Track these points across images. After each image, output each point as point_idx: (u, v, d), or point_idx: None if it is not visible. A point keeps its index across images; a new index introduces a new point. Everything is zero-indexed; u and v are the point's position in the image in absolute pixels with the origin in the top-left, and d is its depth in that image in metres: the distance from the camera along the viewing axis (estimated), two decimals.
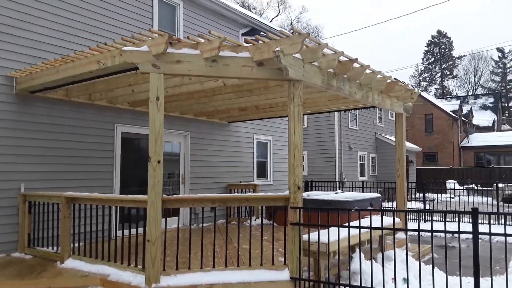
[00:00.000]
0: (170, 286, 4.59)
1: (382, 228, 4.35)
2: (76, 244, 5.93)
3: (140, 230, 5.10)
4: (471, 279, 4.26)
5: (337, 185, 17.92)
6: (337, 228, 4.64)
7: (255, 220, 9.94)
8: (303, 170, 19.41)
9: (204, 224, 8.81)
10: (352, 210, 4.35)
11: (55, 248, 6.16)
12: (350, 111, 19.10)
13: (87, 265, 5.47)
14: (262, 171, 12.16)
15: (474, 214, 3.76)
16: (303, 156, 19.71)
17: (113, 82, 6.46)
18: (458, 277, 4.19)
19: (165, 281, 4.65)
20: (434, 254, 6.10)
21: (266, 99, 7.86)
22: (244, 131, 11.42)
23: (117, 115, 8.12)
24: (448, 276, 4.45)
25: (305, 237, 4.84)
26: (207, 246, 6.45)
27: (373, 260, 5.49)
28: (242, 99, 7.75)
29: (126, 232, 5.90)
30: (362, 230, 4.91)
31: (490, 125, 40.25)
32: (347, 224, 4.58)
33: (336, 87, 5.77)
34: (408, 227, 7.05)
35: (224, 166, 10.73)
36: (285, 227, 5.00)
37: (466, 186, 20.83)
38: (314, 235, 4.81)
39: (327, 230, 4.75)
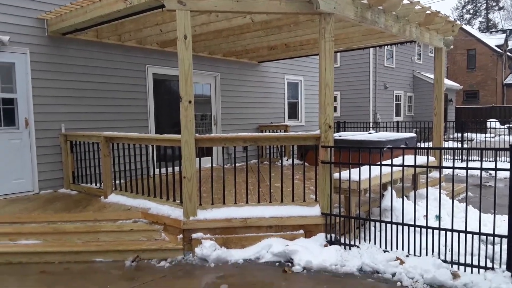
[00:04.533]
0: (207, 219, 4.84)
1: (415, 166, 4.29)
2: (118, 181, 6.29)
3: (176, 169, 5.29)
4: (505, 217, 4.22)
5: (371, 126, 17.63)
6: (368, 166, 4.63)
7: (286, 160, 10.08)
8: (335, 111, 19.21)
9: (237, 164, 9.04)
10: (384, 149, 4.30)
11: (97, 184, 6.56)
12: (386, 47, 18.27)
13: (128, 199, 5.82)
14: (293, 112, 12.09)
15: None
16: (335, 97, 19.40)
17: (141, 22, 6.40)
18: (493, 215, 4.15)
19: (202, 214, 4.89)
20: (469, 193, 6.02)
21: (296, 36, 7.60)
22: (274, 71, 11.23)
23: (147, 56, 8.14)
24: (482, 214, 4.42)
25: (336, 175, 4.88)
26: (240, 184, 6.66)
27: (405, 198, 5.51)
28: (271, 36, 7.53)
29: (163, 170, 6.16)
30: (394, 168, 4.89)
31: None
32: (378, 163, 4.55)
33: (370, 20, 5.46)
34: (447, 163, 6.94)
35: (255, 107, 10.72)
36: (316, 167, 5.05)
37: (508, 125, 19.99)
38: (345, 173, 4.84)
39: (358, 168, 4.75)
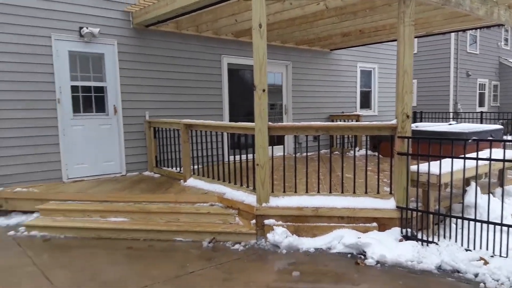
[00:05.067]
0: (279, 206, 4.95)
1: (504, 160, 4.00)
2: (195, 166, 6.65)
3: (249, 156, 5.47)
4: None
5: (451, 117, 16.55)
6: (450, 159, 4.41)
7: (358, 150, 9.87)
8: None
9: (307, 153, 9.03)
10: (469, 141, 4.06)
11: (177, 168, 6.99)
12: (470, 31, 16.90)
13: (205, 184, 6.13)
14: (365, 101, 11.75)
15: None
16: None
17: (218, 12, 6.61)
18: None
19: (274, 201, 5.02)
20: None
21: (372, 22, 7.35)
22: (346, 59, 10.97)
23: (223, 47, 8.40)
24: None
25: (413, 168, 4.70)
26: (311, 173, 6.68)
27: (490, 194, 5.17)
28: (345, 23, 7.36)
29: (236, 157, 6.41)
30: (479, 162, 4.60)
31: None
32: (462, 156, 4.30)
33: (454, 3, 5.12)
34: None
35: (326, 96, 10.60)
36: (391, 158, 4.91)
37: None
38: (423, 166, 4.65)
39: (438, 161, 4.53)
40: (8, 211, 6.09)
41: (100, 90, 7.06)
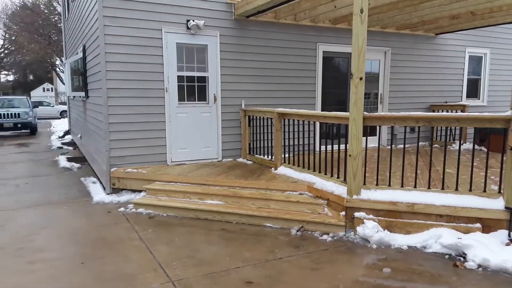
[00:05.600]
0: (370, 199, 4.83)
1: None
2: (286, 155, 6.76)
3: (341, 146, 5.40)
4: None
5: None
6: None
7: (462, 144, 9.07)
8: None
9: (403, 146, 8.57)
10: None
11: (269, 156, 7.18)
12: None
13: (295, 173, 6.22)
14: (473, 90, 10.70)
15: None
16: None
17: None
18: None
19: (365, 194, 4.90)
20: None
21: (486, 2, 6.63)
22: (453, 44, 10.06)
23: (319, 34, 8.31)
24: None
25: None
26: (407, 167, 6.35)
27: None
28: (455, 4, 6.75)
29: (327, 147, 6.36)
30: None
31: None
32: None
33: None
34: None
35: (427, 84, 9.89)
36: (502, 154, 4.45)
37: None
38: None
39: None
40: (119, 189, 6.87)
41: (203, 79, 7.51)
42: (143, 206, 6.01)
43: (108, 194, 6.81)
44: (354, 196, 4.88)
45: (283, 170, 6.51)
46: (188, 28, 7.13)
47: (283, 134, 6.59)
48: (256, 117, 7.47)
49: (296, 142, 6.68)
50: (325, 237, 4.82)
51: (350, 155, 4.86)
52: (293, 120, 6.38)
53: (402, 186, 4.96)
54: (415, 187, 4.92)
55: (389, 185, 5.03)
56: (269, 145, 7.32)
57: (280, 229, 5.14)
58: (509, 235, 4.23)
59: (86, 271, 3.96)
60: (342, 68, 8.89)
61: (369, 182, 5.25)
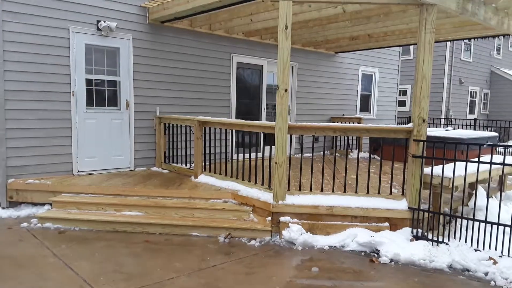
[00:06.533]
0: (295, 204, 5.11)
1: None
2: (203, 163, 6.75)
3: (257, 155, 5.66)
4: None
5: (442, 123, 16.96)
6: (459, 162, 4.63)
7: (357, 153, 10.08)
8: (404, 105, 18.63)
9: (307, 154, 9.21)
10: (484, 146, 4.27)
11: (187, 165, 7.09)
12: (465, 40, 17.33)
13: (217, 181, 6.25)
14: (365, 105, 12.00)
15: None
16: (406, 91, 18.76)
17: (235, 12, 6.72)
18: None
19: (290, 199, 5.17)
20: None
21: (383, 27, 7.56)
22: (349, 62, 11.19)
23: (232, 45, 8.52)
24: None
25: (425, 170, 4.91)
26: (316, 174, 6.84)
27: (494, 197, 5.42)
28: (356, 27, 7.55)
29: (241, 156, 6.52)
30: (482, 167, 4.85)
31: None
32: (476, 160, 4.53)
33: (470, 12, 5.33)
34: None
35: (328, 98, 10.80)
36: (393, 162, 5.13)
37: None
38: (436, 169, 4.86)
39: (450, 164, 4.75)
40: (18, 202, 6.12)
41: (114, 84, 7.11)
42: (50, 220, 5.43)
43: (4, 208, 6.01)
44: (280, 202, 5.11)
45: (204, 178, 6.49)
46: (98, 29, 6.72)
47: (205, 142, 6.58)
48: (172, 124, 7.32)
49: (213, 151, 6.72)
50: (253, 242, 4.94)
51: (276, 163, 5.09)
52: (211, 128, 6.42)
53: (321, 191, 5.35)
54: (333, 191, 5.35)
55: (311, 190, 5.38)
56: (187, 153, 7.23)
57: (207, 237, 5.11)
58: (412, 232, 4.86)
59: None
60: (254, 79, 9.23)
61: (292, 188, 5.53)
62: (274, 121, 5.06)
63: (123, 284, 3.73)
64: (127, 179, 6.61)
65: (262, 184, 5.65)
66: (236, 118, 8.64)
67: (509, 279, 3.88)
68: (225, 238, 5.04)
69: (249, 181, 5.85)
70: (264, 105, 9.31)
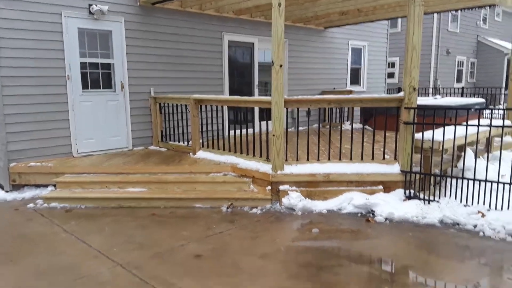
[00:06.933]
0: (293, 173, 5.34)
1: (503, 126, 4.50)
2: (200, 140, 6.91)
3: (253, 130, 5.82)
4: None
5: (430, 92, 17.25)
6: (452, 127, 4.88)
7: (349, 124, 10.32)
8: (393, 77, 18.85)
9: (301, 128, 9.39)
10: (472, 110, 4.50)
11: (185, 142, 7.25)
12: (452, 12, 17.51)
13: (216, 156, 6.44)
14: (355, 78, 12.17)
15: None
16: (394, 63, 18.96)
17: None
18: None
19: (288, 169, 5.40)
20: None
21: (372, 1, 7.67)
22: (339, 37, 11.30)
23: (223, 24, 8.57)
24: None
25: (417, 136, 5.14)
26: (311, 145, 7.04)
27: (482, 158, 5.70)
28: (346, 2, 7.67)
29: (238, 131, 6.70)
30: (471, 131, 5.11)
31: None
32: (464, 123, 4.77)
33: None
34: None
35: (319, 72, 10.94)
36: (385, 131, 5.36)
37: None
38: (427, 134, 5.09)
39: (440, 129, 4.99)
40: (21, 185, 6.25)
41: (108, 67, 7.16)
42: (56, 200, 5.59)
43: (8, 191, 6.15)
44: (279, 172, 5.33)
45: (202, 154, 6.67)
46: (90, 13, 6.73)
47: (201, 120, 6.73)
48: (168, 104, 7.43)
49: (209, 128, 6.87)
50: (254, 210, 5.17)
51: (274, 135, 5.28)
52: (206, 106, 6.56)
53: (318, 160, 5.58)
54: (329, 159, 5.58)
55: (308, 159, 5.61)
56: (184, 131, 7.37)
57: (210, 208, 5.33)
58: (404, 193, 5.13)
59: (20, 268, 3.64)
60: (246, 56, 9.32)
61: (290, 159, 5.74)
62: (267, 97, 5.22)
63: (137, 252, 3.95)
64: (126, 158, 6.76)
65: (260, 156, 5.85)
66: (231, 95, 8.76)
67: (496, 229, 4.17)
68: (227, 208, 5.27)
69: (247, 154, 6.05)
70: (256, 82, 9.44)
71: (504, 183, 4.48)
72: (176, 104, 7.21)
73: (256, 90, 9.47)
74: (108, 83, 7.21)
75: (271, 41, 5.07)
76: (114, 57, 7.17)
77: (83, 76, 6.88)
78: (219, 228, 4.60)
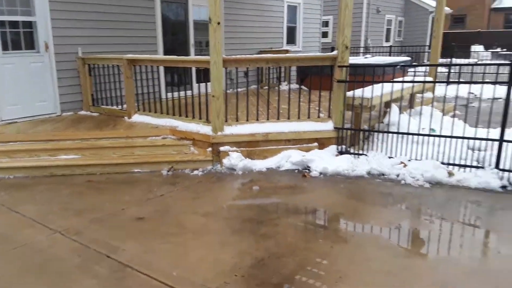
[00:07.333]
0: (233, 134, 5.42)
1: (424, 82, 4.88)
2: (136, 104, 6.69)
3: (191, 92, 5.75)
4: (490, 129, 4.90)
5: (361, 51, 17.94)
6: (380, 85, 5.20)
7: (286, 85, 10.51)
8: (327, 36, 19.24)
9: (239, 89, 9.41)
10: (398, 67, 4.81)
11: (119, 106, 6.98)
12: None
13: (153, 119, 6.30)
14: (291, 37, 12.27)
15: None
16: (327, 22, 19.28)
17: None
18: (476, 128, 4.93)
19: (228, 130, 5.46)
20: (457, 111, 6.73)
21: None
22: None
23: None
24: (468, 127, 5.22)
25: (348, 93, 5.42)
26: (250, 106, 7.13)
27: (405, 113, 6.17)
28: None
29: (176, 94, 6.58)
30: (396, 88, 5.49)
31: None
32: (392, 80, 5.10)
33: None
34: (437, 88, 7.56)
35: (255, 31, 10.87)
36: (320, 90, 5.58)
37: (492, 50, 20.57)
38: (357, 92, 5.38)
39: (370, 87, 5.30)
40: None
41: (30, 25, 6.55)
42: None
43: None
44: (219, 133, 5.38)
45: (139, 118, 6.49)
46: None
47: (136, 82, 6.49)
48: (98, 65, 7.03)
49: (145, 91, 6.65)
50: (196, 172, 5.23)
51: (213, 96, 5.27)
52: (141, 67, 6.32)
53: (257, 120, 5.69)
54: (268, 119, 5.72)
55: (247, 120, 5.70)
56: (117, 94, 7.07)
57: (150, 172, 5.29)
58: (337, 148, 5.46)
59: None
60: (180, 14, 8.96)
61: (229, 120, 5.79)
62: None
63: (75, 218, 3.87)
64: (55, 124, 6.39)
65: (200, 118, 5.83)
66: (166, 54, 8.45)
67: (415, 177, 4.64)
68: (168, 171, 5.27)
69: (187, 116, 5.99)
70: (192, 41, 9.17)
71: (423, 135, 4.94)
72: (108, 65, 6.85)
73: (192, 50, 9.23)
74: (30, 43, 6.63)
75: None
76: (37, 14, 6.55)
77: (2, 36, 6.25)
78: (160, 191, 4.61)
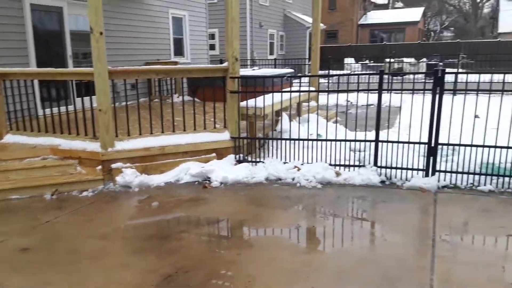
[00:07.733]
0: (126, 149, 5.12)
1: (309, 91, 5.25)
2: (8, 123, 5.91)
3: (70, 107, 5.36)
4: (367, 133, 5.52)
5: (248, 63, 18.66)
6: (270, 95, 5.45)
7: (178, 97, 10.36)
8: (214, 49, 19.58)
9: (128, 103, 8.94)
10: (285, 78, 5.10)
11: None
12: None
13: (30, 138, 5.62)
14: (179, 49, 12.15)
15: (381, 74, 4.77)
16: (214, 35, 19.65)
17: None
18: (356, 132, 5.50)
19: (120, 145, 5.14)
20: (338, 118, 7.41)
21: None
22: (158, 5, 11.00)
23: None
24: (349, 131, 5.81)
25: (242, 103, 5.56)
26: (143, 121, 6.84)
27: (294, 121, 6.56)
28: None
29: (49, 110, 5.97)
30: (285, 97, 5.83)
31: (386, 2, 43.10)
32: (280, 90, 5.37)
33: None
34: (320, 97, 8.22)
35: (141, 42, 10.50)
36: (214, 102, 5.63)
37: (361, 62, 23.23)
38: (250, 102, 5.56)
39: (261, 97, 5.51)
40: None
41: None
42: None
43: None
44: (109, 149, 5.03)
45: (12, 138, 5.74)
46: None
47: (7, 99, 5.72)
48: None
49: (18, 107, 5.90)
50: (85, 193, 4.80)
51: (100, 110, 4.91)
52: (12, 81, 5.61)
53: (151, 133, 5.47)
54: (162, 132, 5.54)
55: (140, 133, 5.43)
56: None
57: (29, 198, 4.70)
58: (235, 157, 5.54)
59: None
60: (54, 23, 8.20)
61: (120, 134, 5.45)
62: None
63: None
64: None
65: (86, 134, 5.39)
66: (42, 67, 7.62)
67: (309, 179, 4.94)
68: (52, 194, 4.75)
69: (70, 133, 5.48)
70: (69, 53, 8.44)
71: (312, 140, 5.31)
72: None
73: (70, 62, 8.48)
74: None
75: (85, 5, 4.62)
76: None
77: None
78: (45, 217, 4.13)
